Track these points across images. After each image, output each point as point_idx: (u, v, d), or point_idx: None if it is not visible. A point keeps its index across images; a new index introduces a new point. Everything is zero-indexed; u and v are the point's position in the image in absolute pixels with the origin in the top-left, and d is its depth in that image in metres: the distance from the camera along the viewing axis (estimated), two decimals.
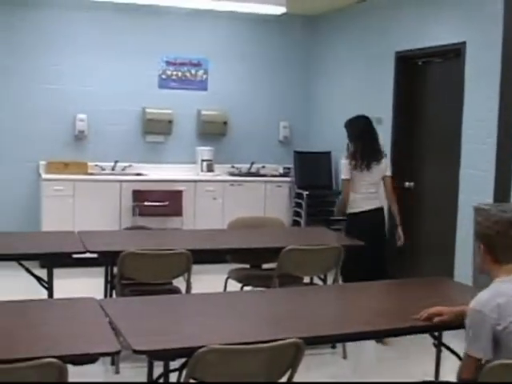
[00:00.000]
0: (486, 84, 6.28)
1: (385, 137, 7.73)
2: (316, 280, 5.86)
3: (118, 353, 2.92)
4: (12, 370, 2.62)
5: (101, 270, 5.44)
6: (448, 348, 4.18)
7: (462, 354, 3.20)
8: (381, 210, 6.34)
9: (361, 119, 6.33)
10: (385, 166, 6.23)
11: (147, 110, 8.81)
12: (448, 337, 4.23)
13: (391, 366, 5.48)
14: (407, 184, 7.58)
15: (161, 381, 3.16)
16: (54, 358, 2.67)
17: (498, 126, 6.11)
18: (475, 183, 6.38)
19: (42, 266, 5.23)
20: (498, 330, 2.94)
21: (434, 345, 4.37)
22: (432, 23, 7.09)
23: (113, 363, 5.02)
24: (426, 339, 4.20)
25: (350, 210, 6.21)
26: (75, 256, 5.02)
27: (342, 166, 6.26)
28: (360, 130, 6.22)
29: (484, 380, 2.90)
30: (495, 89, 6.11)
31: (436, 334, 4.18)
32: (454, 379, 3.14)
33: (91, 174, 8.49)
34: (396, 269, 7.58)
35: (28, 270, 4.97)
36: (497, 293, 3.00)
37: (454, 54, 6.79)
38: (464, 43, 6.53)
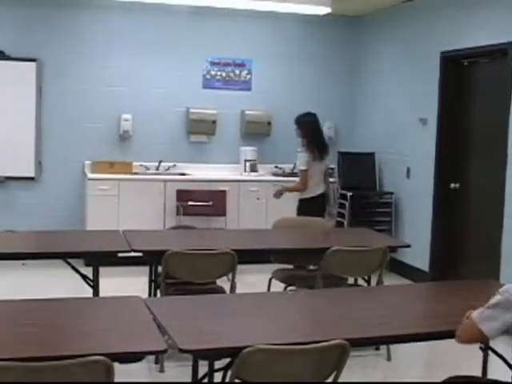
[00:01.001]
0: None
1: (429, 137, 7.69)
2: (360, 281, 5.83)
3: (164, 351, 2.92)
4: (60, 367, 2.65)
5: (145, 269, 5.46)
6: (495, 352, 4.12)
7: (509, 359, 3.16)
8: (324, 194, 7.18)
9: (312, 116, 7.16)
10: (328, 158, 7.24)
11: (191, 110, 8.85)
12: (495, 341, 4.16)
13: (436, 370, 5.44)
14: (453, 185, 7.51)
15: (205, 380, 3.16)
16: (101, 356, 2.69)
17: None
18: None
19: (87, 265, 5.29)
20: None
21: (481, 348, 4.31)
22: (478, 23, 7.01)
23: (156, 362, 5.05)
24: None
25: (304, 196, 7.10)
26: (120, 255, 5.05)
27: (302, 158, 6.99)
28: (313, 126, 7.10)
29: None
30: None
31: None
32: None
33: (136, 173, 8.56)
34: (441, 270, 7.54)
35: (74, 268, 5.02)
36: None
37: (501, 54, 6.70)
38: (511, 43, 6.44)
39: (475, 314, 3.04)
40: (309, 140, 7.05)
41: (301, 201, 7.15)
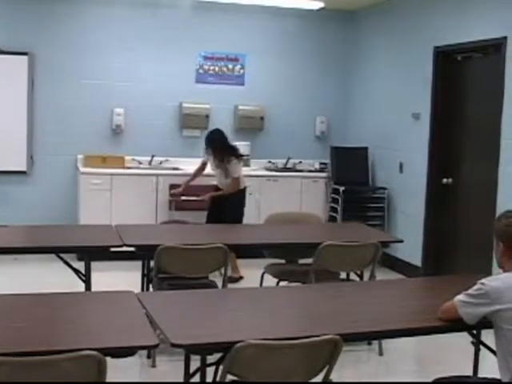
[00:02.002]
0: None
1: (422, 133, 7.69)
2: (352, 276, 5.84)
3: (156, 346, 2.93)
4: (52, 362, 2.65)
5: (138, 264, 5.46)
6: (486, 346, 4.13)
7: None
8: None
9: (220, 131, 7.51)
10: None
11: (184, 105, 8.84)
12: (486, 335, 4.18)
13: (428, 364, 5.45)
14: (445, 180, 7.51)
15: (197, 375, 3.16)
16: (94, 351, 2.69)
17: None
18: None
19: (80, 259, 5.28)
20: (493, 310, 3.11)
21: (473, 343, 4.32)
22: (472, 18, 7.01)
23: (149, 356, 5.04)
24: (464, 337, 4.16)
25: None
26: (113, 249, 5.05)
27: (235, 167, 7.35)
28: (224, 141, 7.44)
29: None
30: None
31: (474, 332, 4.14)
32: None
33: (128, 167, 8.55)
34: (434, 265, 7.56)
35: (66, 263, 5.01)
36: (505, 279, 3.18)
37: (494, 49, 6.70)
38: (505, 38, 6.44)
39: (457, 298, 3.25)
40: (230, 152, 7.39)
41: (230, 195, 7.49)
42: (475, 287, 3.20)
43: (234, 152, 7.40)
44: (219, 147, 7.39)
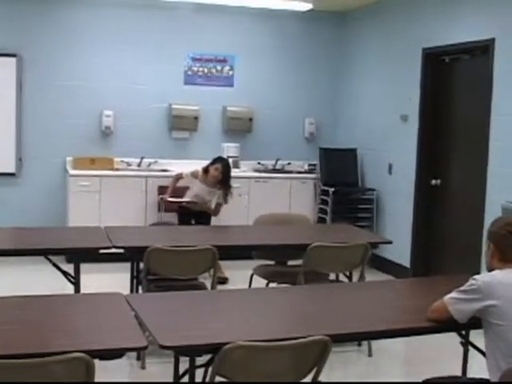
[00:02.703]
0: None
1: (411, 134, 7.72)
2: (341, 277, 5.85)
3: (145, 348, 2.92)
4: (40, 364, 2.64)
5: (127, 266, 5.45)
6: (475, 347, 4.15)
7: None
8: None
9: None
10: None
11: (173, 107, 8.83)
12: (475, 335, 4.19)
13: (417, 365, 5.46)
14: (434, 182, 7.54)
15: (187, 376, 3.16)
16: (82, 353, 2.68)
17: None
18: (503, 181, 6.33)
19: (69, 261, 5.27)
20: (485, 305, 3.15)
21: (462, 343, 4.34)
22: (460, 20, 7.04)
23: (138, 358, 5.04)
24: (453, 338, 4.18)
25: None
26: (102, 251, 5.04)
27: (230, 199, 7.55)
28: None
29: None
30: None
31: (463, 332, 4.15)
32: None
33: (117, 169, 8.54)
34: (423, 266, 7.58)
35: (55, 265, 5.00)
36: (497, 275, 3.25)
37: (482, 51, 6.73)
38: (493, 40, 6.47)
39: (447, 297, 3.29)
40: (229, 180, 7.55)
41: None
42: (467, 283, 3.25)
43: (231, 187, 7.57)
44: (229, 174, 7.52)
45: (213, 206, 7.54)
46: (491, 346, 3.17)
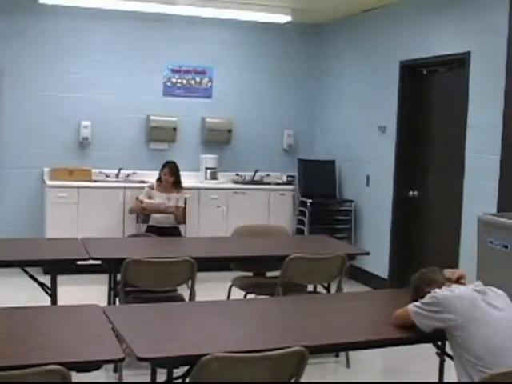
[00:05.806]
0: (490, 94, 6.29)
1: (388, 146, 7.77)
2: (319, 288, 5.86)
3: (121, 360, 2.91)
4: (16, 377, 2.62)
5: (104, 277, 5.42)
6: (451, 357, 4.16)
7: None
8: None
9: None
10: None
11: (151, 118, 8.83)
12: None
13: (394, 375, 5.48)
14: (411, 193, 7.59)
15: None
16: (58, 365, 2.67)
17: (502, 135, 6.12)
18: (479, 193, 6.38)
19: (46, 273, 5.24)
20: (444, 317, 3.33)
21: (438, 354, 4.36)
22: (436, 33, 7.10)
23: (115, 370, 5.01)
24: (430, 349, 4.20)
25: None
26: (79, 263, 5.03)
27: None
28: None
29: None
30: (500, 99, 6.12)
31: (439, 343, 4.18)
32: None
33: (95, 180, 8.50)
34: (400, 277, 7.60)
35: (32, 277, 4.97)
36: (455, 289, 3.43)
37: (459, 64, 6.79)
38: (469, 53, 6.54)
39: (411, 306, 3.50)
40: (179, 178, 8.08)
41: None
42: (427, 296, 3.45)
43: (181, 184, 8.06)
44: (179, 174, 8.00)
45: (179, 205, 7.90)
46: (457, 355, 3.33)
